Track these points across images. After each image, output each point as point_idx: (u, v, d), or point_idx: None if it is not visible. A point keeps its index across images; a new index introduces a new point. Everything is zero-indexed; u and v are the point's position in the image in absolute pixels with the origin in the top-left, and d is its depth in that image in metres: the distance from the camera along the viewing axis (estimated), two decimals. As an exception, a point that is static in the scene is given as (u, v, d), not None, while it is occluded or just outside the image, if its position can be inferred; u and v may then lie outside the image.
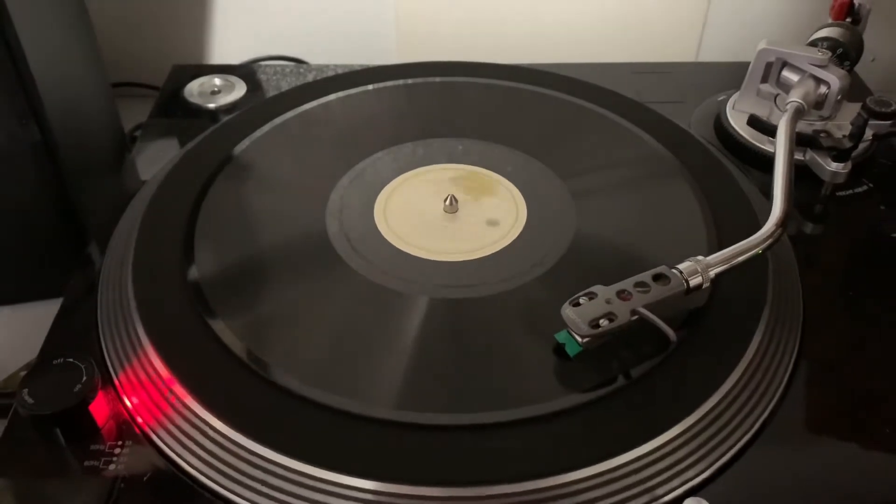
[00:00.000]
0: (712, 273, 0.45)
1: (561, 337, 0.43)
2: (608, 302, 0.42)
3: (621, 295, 0.43)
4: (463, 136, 0.61)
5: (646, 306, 0.42)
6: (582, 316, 0.42)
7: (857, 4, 0.64)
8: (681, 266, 0.44)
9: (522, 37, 0.83)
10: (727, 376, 0.43)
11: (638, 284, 0.43)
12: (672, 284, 0.43)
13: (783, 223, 0.47)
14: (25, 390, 0.41)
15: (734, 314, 0.47)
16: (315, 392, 0.42)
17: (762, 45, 0.60)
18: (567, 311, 0.42)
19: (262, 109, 0.63)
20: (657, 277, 0.44)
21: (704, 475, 0.41)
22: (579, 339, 0.42)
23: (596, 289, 0.43)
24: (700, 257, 0.45)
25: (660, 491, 0.39)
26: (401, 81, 0.66)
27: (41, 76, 0.54)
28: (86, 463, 0.41)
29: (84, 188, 0.60)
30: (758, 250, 0.46)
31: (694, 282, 0.44)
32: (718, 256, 0.45)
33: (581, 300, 0.43)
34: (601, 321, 0.42)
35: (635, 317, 0.42)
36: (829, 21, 0.64)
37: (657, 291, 0.43)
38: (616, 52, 0.84)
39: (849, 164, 0.57)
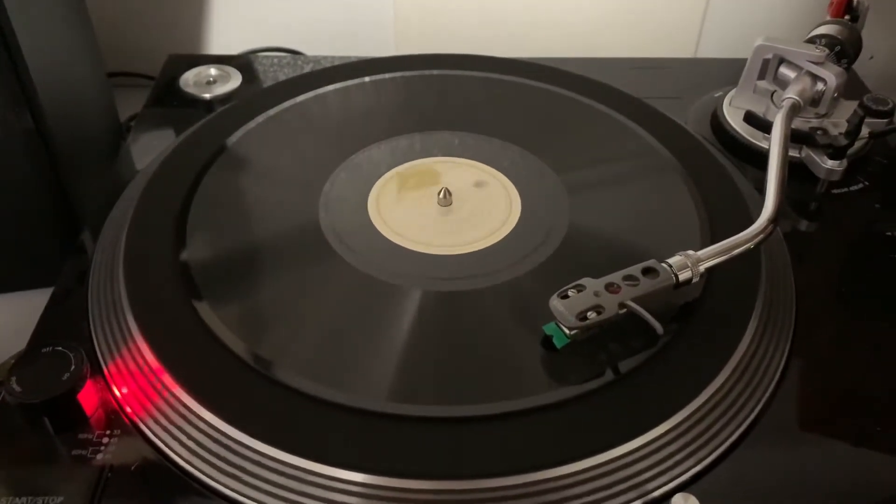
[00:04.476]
0: (702, 268, 0.44)
1: (549, 329, 0.43)
2: (596, 294, 0.42)
3: (610, 288, 0.43)
4: (459, 129, 0.61)
5: (634, 299, 0.42)
6: (570, 308, 0.41)
7: (855, 2, 0.64)
8: (670, 260, 0.45)
9: (520, 30, 0.83)
10: (718, 372, 0.43)
11: (627, 278, 0.43)
12: (661, 278, 0.43)
13: (775, 219, 0.47)
14: (14, 378, 0.41)
15: (726, 310, 0.46)
16: (306, 384, 0.42)
17: (759, 41, 0.60)
18: (555, 302, 0.42)
19: (258, 100, 0.63)
20: (646, 271, 0.44)
21: (694, 471, 0.40)
22: (567, 331, 0.42)
23: (584, 281, 0.43)
24: (690, 252, 0.45)
25: (649, 486, 0.39)
26: (397, 74, 0.66)
27: (35, 63, 0.53)
28: (74, 452, 0.41)
29: (78, 177, 0.60)
30: (749, 245, 0.46)
31: (683, 276, 0.44)
32: (709, 251, 0.45)
33: (569, 292, 0.43)
34: (589, 313, 0.42)
35: (623, 310, 0.42)
36: (828, 18, 0.64)
37: (646, 285, 0.43)
38: (614, 47, 0.84)
39: (844, 162, 0.57)
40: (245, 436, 0.40)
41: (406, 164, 0.57)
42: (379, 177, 0.56)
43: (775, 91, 0.61)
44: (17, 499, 0.39)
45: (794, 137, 0.56)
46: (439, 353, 0.44)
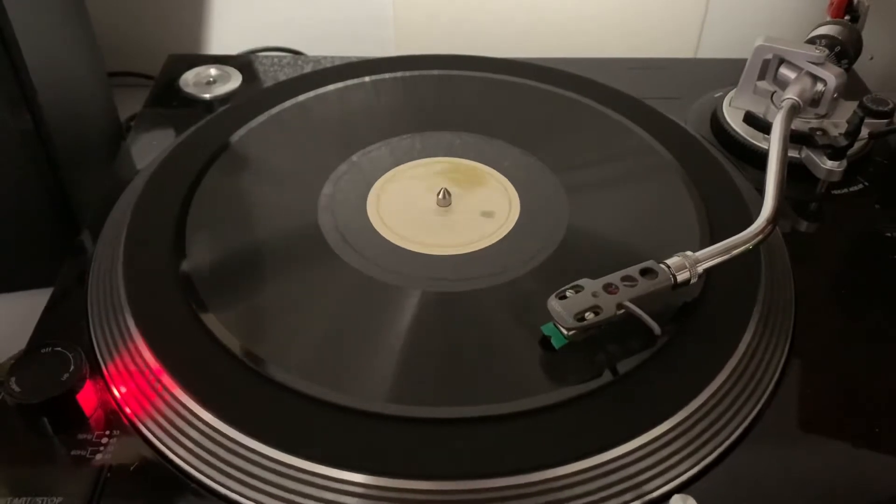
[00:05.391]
0: (700, 268, 0.44)
1: (547, 329, 0.43)
2: (594, 295, 0.42)
3: (608, 288, 0.43)
4: (459, 129, 0.61)
5: (632, 300, 0.42)
6: (567, 308, 0.41)
7: (856, 2, 0.63)
8: (669, 261, 0.44)
9: (521, 30, 0.83)
10: (717, 373, 0.43)
11: (625, 278, 0.43)
12: (659, 279, 0.43)
13: (774, 220, 0.47)
14: (13, 379, 0.41)
15: (725, 310, 0.46)
16: (305, 385, 0.42)
17: (759, 41, 0.60)
18: (553, 303, 0.42)
19: (257, 100, 0.63)
20: (645, 272, 0.44)
21: (692, 472, 0.40)
22: (565, 331, 0.42)
23: (582, 282, 0.43)
24: (689, 252, 0.45)
25: (647, 487, 0.39)
26: (397, 74, 0.66)
27: (34, 63, 0.53)
28: (73, 452, 0.41)
29: (78, 177, 0.60)
30: (748, 246, 0.46)
31: (681, 277, 0.44)
32: (708, 252, 0.45)
33: (567, 293, 0.42)
34: (587, 314, 0.42)
35: (621, 310, 0.42)
36: (828, 18, 0.64)
37: (644, 285, 0.43)
38: (615, 47, 0.84)
39: (844, 163, 0.57)
40: (244, 436, 0.40)
41: (405, 165, 0.57)
42: (379, 177, 0.56)
43: (775, 91, 0.61)
44: (17, 499, 0.39)
45: (794, 138, 0.56)
46: (439, 354, 0.44)
